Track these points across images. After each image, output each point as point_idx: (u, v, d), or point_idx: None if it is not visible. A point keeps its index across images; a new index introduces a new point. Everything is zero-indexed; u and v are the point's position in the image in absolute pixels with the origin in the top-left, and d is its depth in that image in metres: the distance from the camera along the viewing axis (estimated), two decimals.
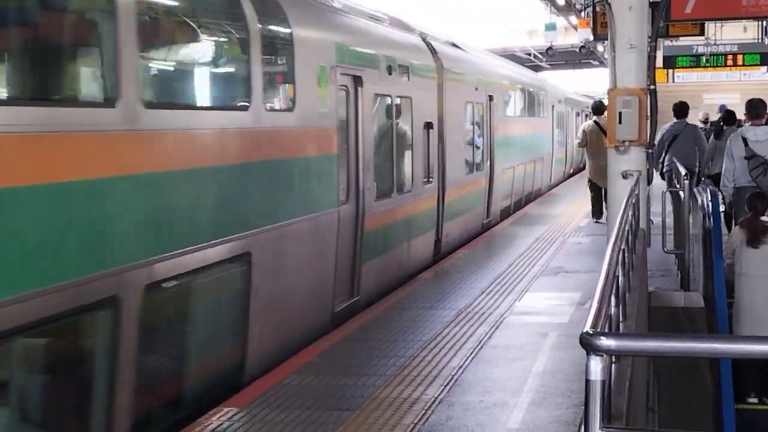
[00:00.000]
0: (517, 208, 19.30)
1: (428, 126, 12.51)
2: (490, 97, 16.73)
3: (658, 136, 14.54)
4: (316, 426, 6.01)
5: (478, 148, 15.94)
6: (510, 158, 18.55)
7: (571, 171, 30.16)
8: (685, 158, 13.82)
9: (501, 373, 7.16)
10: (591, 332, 2.76)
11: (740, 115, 16.66)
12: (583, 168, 26.90)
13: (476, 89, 15.79)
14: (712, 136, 14.74)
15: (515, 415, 6.16)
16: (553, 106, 25.50)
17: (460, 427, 5.96)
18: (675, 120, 14.73)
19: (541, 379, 6.95)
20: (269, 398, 6.64)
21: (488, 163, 16.56)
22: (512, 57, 32.37)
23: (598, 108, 16.44)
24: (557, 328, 8.49)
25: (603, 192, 15.38)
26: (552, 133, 25.29)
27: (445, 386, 6.83)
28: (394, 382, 6.96)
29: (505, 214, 18.19)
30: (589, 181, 16.57)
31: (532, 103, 22.32)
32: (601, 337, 2.71)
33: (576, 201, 20.02)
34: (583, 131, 16.63)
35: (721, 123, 15.13)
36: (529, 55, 37.88)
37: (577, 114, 32.20)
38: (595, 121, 16.39)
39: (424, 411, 6.26)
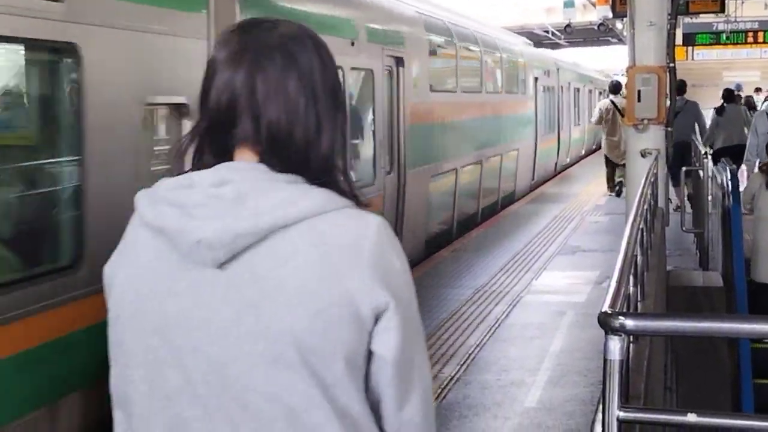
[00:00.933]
0: (469, 227, 13.59)
1: (176, 113, 6.02)
2: (398, 61, 10.69)
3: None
4: None
5: (361, 144, 10.07)
6: (448, 156, 12.57)
7: (568, 161, 23.98)
8: (686, 135, 14.18)
9: (518, 351, 7.15)
10: (609, 312, 2.73)
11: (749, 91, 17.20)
12: (585, 156, 26.43)
13: (353, 45, 9.35)
14: (713, 113, 15.41)
15: (532, 394, 6.17)
16: (536, 79, 19.30)
17: (477, 406, 5.96)
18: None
19: (558, 358, 6.94)
20: None
21: (395, 168, 10.53)
22: (530, 34, 32.15)
23: (615, 87, 17.49)
24: (575, 307, 8.48)
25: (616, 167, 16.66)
26: (536, 117, 19.03)
27: (462, 365, 6.83)
28: None
29: (441, 242, 12.18)
30: (606, 156, 17.54)
31: (494, 73, 16.05)
32: (620, 317, 2.68)
33: (594, 180, 19.93)
34: (599, 109, 17.59)
35: (722, 101, 16.01)
36: (547, 32, 37.68)
37: (577, 90, 26.14)
38: (611, 100, 17.35)
39: (440, 389, 6.27)
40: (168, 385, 1.68)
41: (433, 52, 12.37)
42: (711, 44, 24.42)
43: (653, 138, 10.47)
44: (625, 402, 2.75)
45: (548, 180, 20.56)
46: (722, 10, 16.28)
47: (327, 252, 1.64)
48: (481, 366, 6.80)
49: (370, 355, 1.67)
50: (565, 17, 33.40)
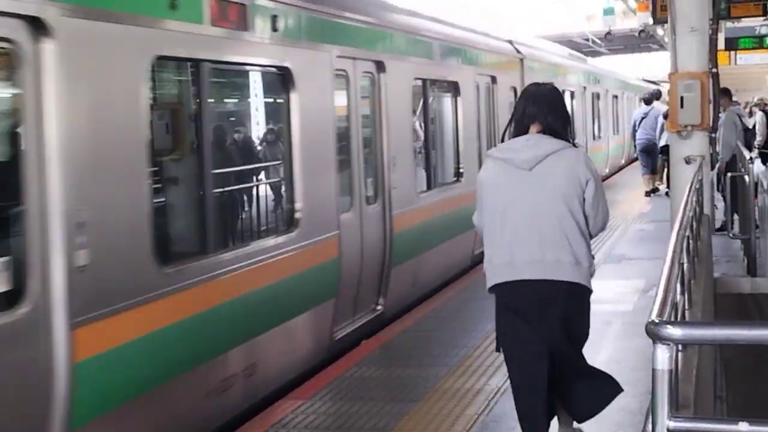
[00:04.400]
0: None
1: None
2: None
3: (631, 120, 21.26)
4: (381, 416, 6.03)
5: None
6: None
7: None
8: (649, 134, 18.29)
9: None
10: (657, 321, 2.72)
11: None
12: None
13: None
14: (660, 116, 18.02)
15: None
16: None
17: None
18: (645, 106, 19.18)
19: (606, 368, 6.82)
20: (333, 390, 6.66)
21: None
22: (570, 43, 32.02)
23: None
24: (622, 317, 8.40)
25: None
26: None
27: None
28: (456, 372, 6.95)
29: None
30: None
31: None
32: (668, 326, 2.67)
33: (639, 187, 19.76)
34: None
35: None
36: (587, 40, 37.52)
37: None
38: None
39: (487, 401, 6.25)
40: (510, 217, 4.71)
41: None
42: (754, 48, 24.11)
43: (697, 144, 10.38)
44: (675, 411, 2.73)
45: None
46: (765, 13, 16.11)
47: (567, 159, 4.73)
48: None
49: (584, 197, 4.74)
50: (605, 25, 33.24)
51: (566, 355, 4.83)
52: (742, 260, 12.17)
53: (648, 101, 19.19)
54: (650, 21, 20.40)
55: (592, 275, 4.81)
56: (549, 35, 28.66)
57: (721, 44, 17.40)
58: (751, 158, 12.32)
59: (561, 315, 4.72)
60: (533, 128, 4.82)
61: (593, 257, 4.84)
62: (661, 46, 34.70)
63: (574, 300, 4.76)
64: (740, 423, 2.50)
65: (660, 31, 28.42)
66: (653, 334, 2.65)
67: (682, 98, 10.22)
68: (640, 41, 36.31)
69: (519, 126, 4.87)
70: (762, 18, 18.36)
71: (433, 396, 6.42)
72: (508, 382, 6.60)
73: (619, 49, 42.33)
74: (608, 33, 33.38)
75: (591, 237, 4.83)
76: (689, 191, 7.55)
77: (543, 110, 4.83)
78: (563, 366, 4.85)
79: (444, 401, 6.30)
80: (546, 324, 4.72)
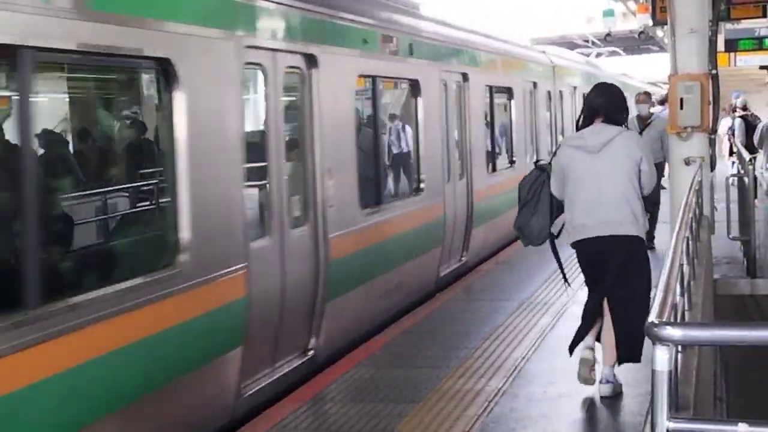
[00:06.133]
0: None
1: None
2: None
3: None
4: (381, 418, 6.03)
5: None
6: None
7: None
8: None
9: (565, 363, 7.09)
10: (656, 322, 2.73)
11: None
12: None
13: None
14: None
15: (580, 406, 6.11)
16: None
17: (524, 419, 5.93)
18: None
19: None
20: (333, 392, 6.67)
21: None
22: (570, 44, 32.03)
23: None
24: None
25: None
26: None
27: (509, 377, 6.80)
28: (456, 374, 6.95)
29: None
30: None
31: None
32: (667, 327, 2.68)
33: None
34: None
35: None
36: (587, 41, 37.53)
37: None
38: None
39: (487, 402, 6.25)
40: (584, 190, 6.20)
41: None
42: (753, 50, 24.12)
43: (697, 146, 10.37)
44: (675, 412, 2.73)
45: None
46: (764, 15, 16.10)
47: (625, 141, 6.21)
48: (528, 378, 6.77)
49: (639, 169, 6.21)
50: (605, 26, 33.26)
51: (621, 299, 6.16)
52: (742, 262, 12.17)
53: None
54: (650, 23, 20.42)
55: (646, 228, 6.24)
56: (549, 37, 28.67)
57: (720, 46, 17.40)
58: (751, 160, 12.31)
59: (619, 264, 6.10)
60: (597, 119, 6.29)
61: (644, 214, 6.25)
62: (661, 48, 34.70)
63: (631, 252, 6.13)
64: (740, 424, 2.51)
65: (660, 32, 28.43)
66: (653, 335, 2.65)
67: (681, 100, 10.21)
68: (639, 43, 36.33)
69: (587, 118, 6.36)
70: (762, 19, 18.36)
71: (433, 397, 6.43)
72: (508, 383, 6.66)
73: (619, 51, 42.36)
74: (608, 34, 33.40)
75: (643, 195, 6.24)
76: (689, 192, 7.56)
77: (603, 105, 6.32)
78: (618, 308, 6.17)
79: (444, 402, 6.30)
80: (608, 271, 6.13)
